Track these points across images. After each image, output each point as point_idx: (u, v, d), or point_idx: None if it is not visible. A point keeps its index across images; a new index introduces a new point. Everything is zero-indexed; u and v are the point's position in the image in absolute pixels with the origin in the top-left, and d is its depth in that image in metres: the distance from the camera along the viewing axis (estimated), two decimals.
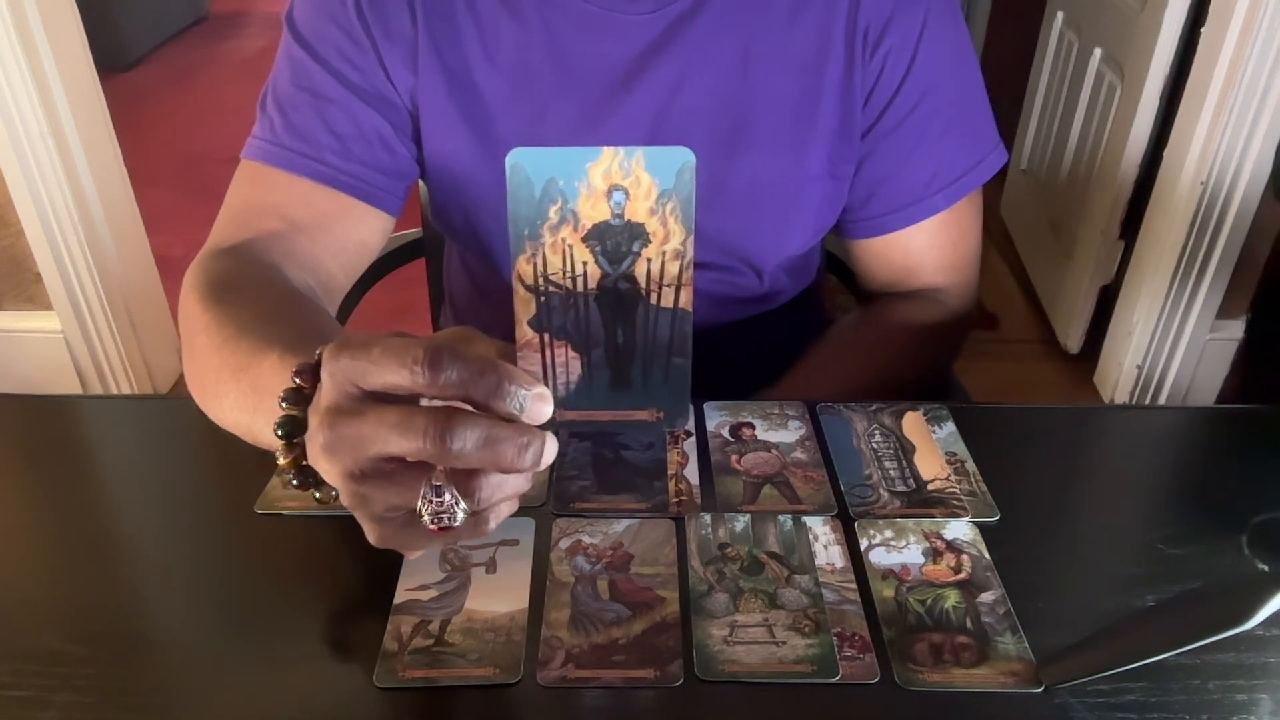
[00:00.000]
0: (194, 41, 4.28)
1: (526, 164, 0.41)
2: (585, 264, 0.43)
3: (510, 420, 0.42)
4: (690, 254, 0.43)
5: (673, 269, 0.44)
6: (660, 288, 0.44)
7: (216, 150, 2.94)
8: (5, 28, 1.63)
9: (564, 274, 0.43)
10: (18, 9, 1.64)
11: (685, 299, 0.44)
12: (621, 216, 0.42)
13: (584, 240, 0.43)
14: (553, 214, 0.42)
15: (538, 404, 0.42)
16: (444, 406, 0.42)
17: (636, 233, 0.43)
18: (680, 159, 0.42)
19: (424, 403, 0.43)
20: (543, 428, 0.43)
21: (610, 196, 0.42)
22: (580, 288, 0.44)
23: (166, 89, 3.77)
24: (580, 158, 0.41)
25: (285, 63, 0.75)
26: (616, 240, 0.43)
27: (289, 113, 0.74)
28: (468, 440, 0.40)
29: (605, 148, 0.41)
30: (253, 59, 4.08)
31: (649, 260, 0.43)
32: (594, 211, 0.42)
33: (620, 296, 0.44)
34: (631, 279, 0.44)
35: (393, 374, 0.41)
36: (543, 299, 0.44)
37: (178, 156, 3.09)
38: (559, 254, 0.43)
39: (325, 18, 0.73)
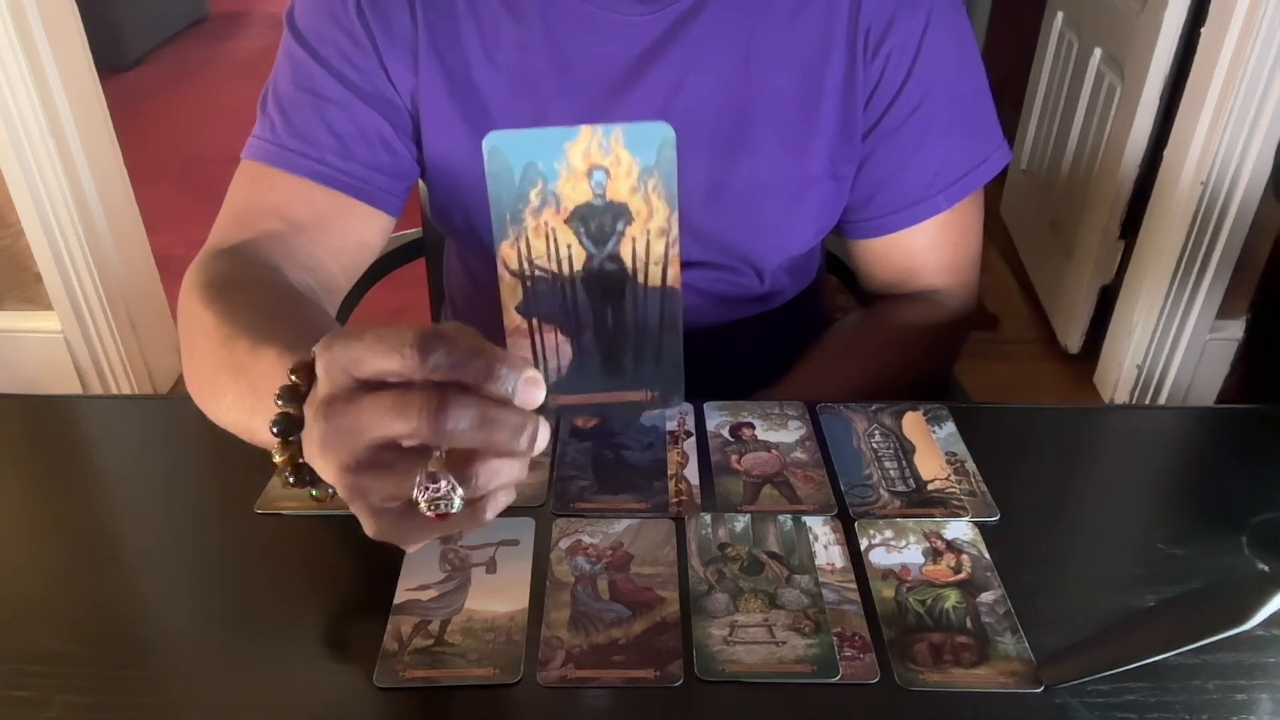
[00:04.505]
0: (194, 41, 4.28)
1: (504, 147, 0.41)
2: (570, 246, 0.43)
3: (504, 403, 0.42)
4: (675, 231, 0.42)
5: (658, 247, 0.43)
6: (647, 267, 0.43)
7: (216, 150, 2.94)
8: (5, 28, 1.63)
9: (549, 257, 0.43)
10: (18, 9, 1.64)
11: (673, 276, 0.43)
12: (603, 196, 0.42)
13: (567, 222, 0.42)
14: (534, 197, 0.41)
15: (530, 388, 0.42)
16: (439, 388, 0.42)
17: (619, 212, 0.42)
18: (660, 134, 0.41)
19: None
20: (537, 412, 0.43)
21: (591, 177, 0.41)
22: (566, 271, 0.43)
23: (166, 89, 3.77)
24: (558, 138, 0.41)
25: (286, 62, 0.75)
26: (600, 221, 0.42)
27: (289, 113, 0.74)
28: (463, 419, 0.40)
29: (583, 126, 0.41)
30: (253, 59, 4.08)
31: (634, 240, 0.43)
32: (575, 193, 0.41)
33: (607, 278, 0.43)
34: (618, 259, 0.43)
35: (384, 359, 0.41)
36: (529, 284, 0.43)
37: (178, 156, 3.09)
38: (542, 237, 0.42)
39: (326, 18, 0.73)
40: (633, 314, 0.44)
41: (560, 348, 0.45)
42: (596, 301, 0.44)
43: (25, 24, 1.66)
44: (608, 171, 0.41)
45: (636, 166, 0.41)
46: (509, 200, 0.41)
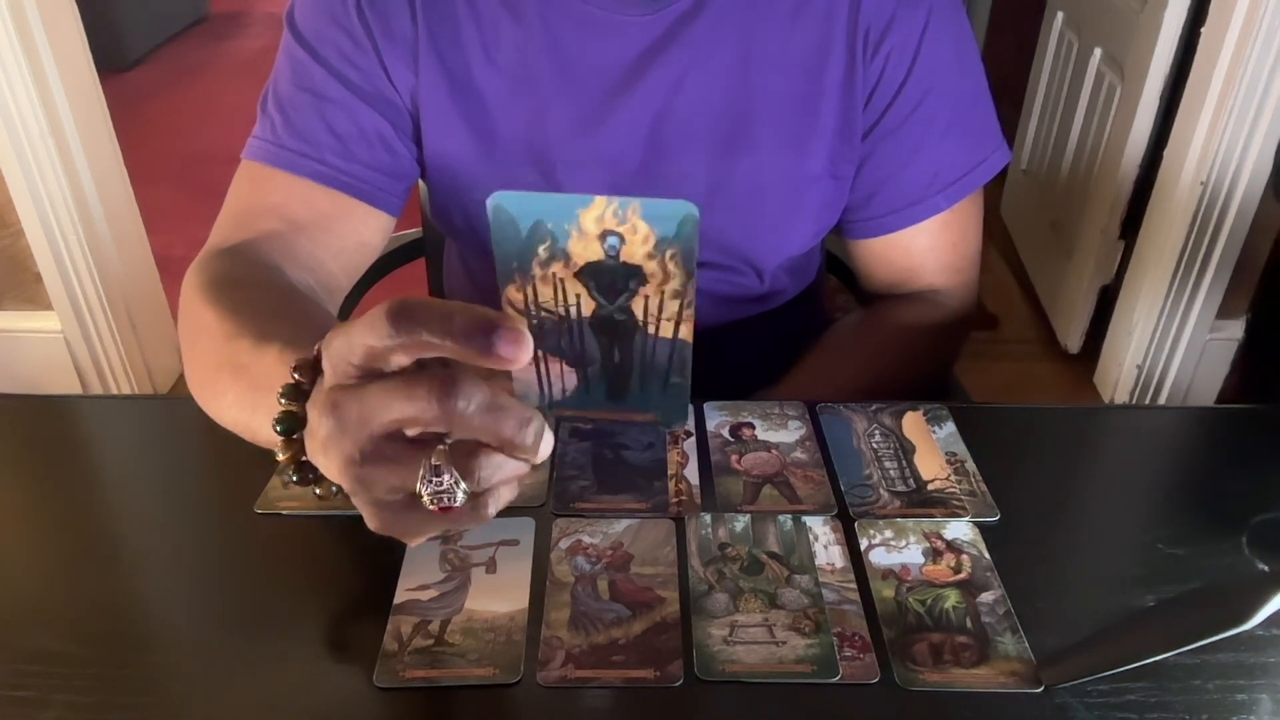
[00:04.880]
0: (194, 41, 4.28)
1: (510, 206, 0.39)
2: (579, 296, 0.41)
3: (491, 364, 0.41)
4: (692, 295, 0.41)
5: (672, 306, 0.41)
6: (659, 322, 0.42)
7: (216, 150, 2.94)
8: (5, 28, 1.63)
9: (556, 303, 0.41)
10: (18, 9, 1.64)
11: (685, 332, 0.42)
12: (616, 259, 0.40)
13: (577, 275, 0.40)
14: (541, 251, 0.40)
15: (511, 343, 0.39)
16: (447, 370, 0.41)
17: (633, 273, 0.40)
18: (681, 212, 0.38)
19: None
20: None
21: (604, 241, 0.39)
22: (574, 315, 0.42)
23: (166, 89, 3.77)
24: (570, 204, 0.38)
25: (286, 63, 0.75)
26: (612, 277, 0.40)
27: (290, 113, 0.74)
28: (472, 401, 0.40)
29: (598, 196, 0.38)
30: (253, 59, 4.08)
31: (647, 298, 0.41)
32: (586, 252, 0.39)
33: (616, 325, 0.42)
34: (628, 311, 0.41)
35: (366, 334, 0.41)
36: (534, 323, 0.42)
37: (178, 156, 3.09)
38: (550, 287, 0.41)
39: (326, 18, 0.73)
40: (640, 357, 0.43)
41: (565, 376, 0.44)
42: (605, 344, 0.43)
43: (25, 24, 1.66)
44: (622, 237, 0.39)
45: (654, 236, 0.39)
46: (515, 253, 0.39)
